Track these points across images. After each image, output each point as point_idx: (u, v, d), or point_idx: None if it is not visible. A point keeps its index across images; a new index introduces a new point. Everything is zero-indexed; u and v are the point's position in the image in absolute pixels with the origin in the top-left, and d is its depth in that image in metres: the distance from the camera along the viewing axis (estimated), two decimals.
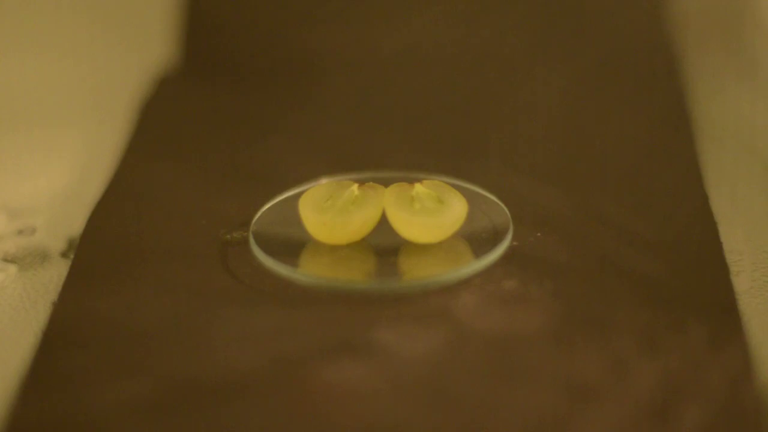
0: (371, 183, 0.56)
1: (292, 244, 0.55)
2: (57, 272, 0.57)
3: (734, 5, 0.76)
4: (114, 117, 0.69)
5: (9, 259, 0.58)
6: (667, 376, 0.48)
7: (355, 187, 0.55)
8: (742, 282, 0.54)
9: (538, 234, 0.56)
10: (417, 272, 0.54)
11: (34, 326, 0.53)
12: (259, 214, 0.57)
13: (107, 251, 0.56)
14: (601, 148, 0.64)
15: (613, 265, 0.54)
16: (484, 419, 0.46)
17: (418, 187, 0.55)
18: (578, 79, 0.71)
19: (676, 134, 0.64)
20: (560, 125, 0.66)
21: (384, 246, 0.55)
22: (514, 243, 0.55)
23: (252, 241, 0.55)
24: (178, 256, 0.55)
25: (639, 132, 0.65)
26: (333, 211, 0.54)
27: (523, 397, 0.47)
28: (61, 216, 0.61)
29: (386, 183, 0.56)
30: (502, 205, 0.57)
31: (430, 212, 0.54)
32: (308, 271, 0.54)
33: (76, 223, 0.59)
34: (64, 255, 0.58)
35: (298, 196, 0.56)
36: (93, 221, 0.58)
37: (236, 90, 0.71)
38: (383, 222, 0.55)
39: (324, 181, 0.58)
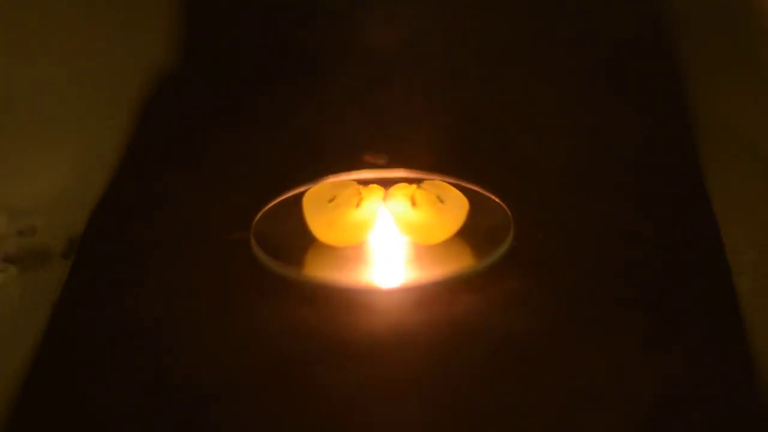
0: (374, 185, 0.56)
1: (294, 245, 0.55)
2: (57, 273, 0.57)
3: (734, 6, 0.76)
4: (115, 117, 0.68)
5: (10, 260, 0.58)
6: (668, 377, 0.48)
7: (358, 187, 0.55)
8: (743, 282, 0.54)
9: (539, 235, 0.56)
10: (418, 273, 0.54)
11: (34, 326, 0.53)
12: (260, 214, 0.57)
13: (108, 252, 0.56)
14: (602, 149, 0.64)
15: (614, 266, 0.54)
16: (485, 419, 0.46)
17: (419, 188, 0.55)
18: (580, 80, 0.71)
19: (678, 134, 0.64)
20: (562, 126, 0.66)
21: (385, 247, 0.55)
22: (515, 243, 0.55)
23: (253, 241, 0.55)
24: (179, 257, 0.55)
25: (640, 132, 0.65)
26: (338, 211, 0.54)
27: (523, 397, 0.47)
28: (62, 216, 0.61)
29: (387, 183, 0.56)
30: (504, 206, 0.57)
31: (431, 213, 0.54)
32: (309, 272, 0.53)
33: (76, 223, 0.59)
34: (64, 255, 0.58)
35: (299, 196, 0.56)
36: (94, 222, 0.58)
37: (237, 89, 0.71)
38: (384, 223, 0.55)
39: (325, 181, 0.58)
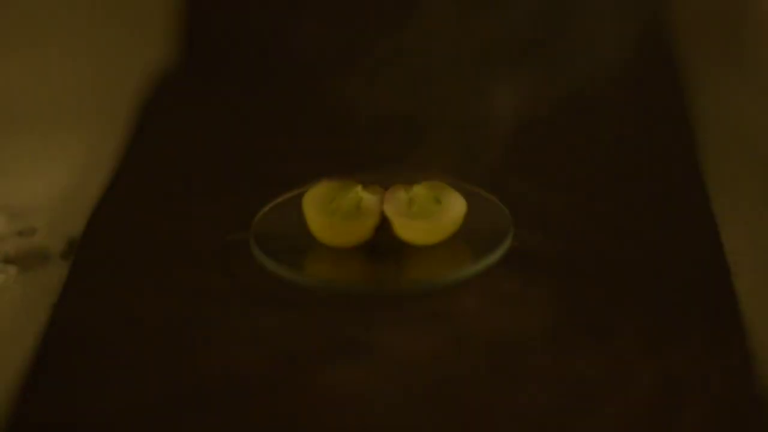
0: (373, 185, 0.56)
1: (293, 246, 0.55)
2: (57, 273, 0.57)
3: (734, 5, 0.76)
4: (114, 117, 0.69)
5: (9, 260, 0.58)
6: (667, 378, 0.48)
7: (359, 188, 0.55)
8: (742, 283, 0.54)
9: (539, 235, 0.56)
10: (417, 274, 0.54)
11: (34, 327, 0.53)
12: (260, 214, 0.57)
13: (107, 252, 0.56)
14: (601, 148, 0.64)
15: (613, 266, 0.54)
16: (484, 421, 0.46)
17: (417, 189, 0.55)
18: (578, 79, 0.71)
19: (676, 134, 0.64)
20: (562, 126, 0.66)
21: (384, 248, 0.55)
22: (514, 244, 0.55)
23: (253, 242, 0.55)
24: (179, 258, 0.55)
25: (639, 132, 0.65)
26: (339, 213, 0.54)
27: (523, 398, 0.47)
28: (62, 217, 0.61)
29: (385, 183, 0.56)
30: (502, 206, 0.57)
31: (428, 214, 0.54)
32: (309, 273, 0.54)
33: (76, 224, 0.59)
34: (64, 256, 0.58)
35: (298, 197, 0.56)
36: (93, 222, 0.58)
37: (236, 90, 0.71)
38: (384, 224, 0.55)
39: (325, 181, 0.58)
